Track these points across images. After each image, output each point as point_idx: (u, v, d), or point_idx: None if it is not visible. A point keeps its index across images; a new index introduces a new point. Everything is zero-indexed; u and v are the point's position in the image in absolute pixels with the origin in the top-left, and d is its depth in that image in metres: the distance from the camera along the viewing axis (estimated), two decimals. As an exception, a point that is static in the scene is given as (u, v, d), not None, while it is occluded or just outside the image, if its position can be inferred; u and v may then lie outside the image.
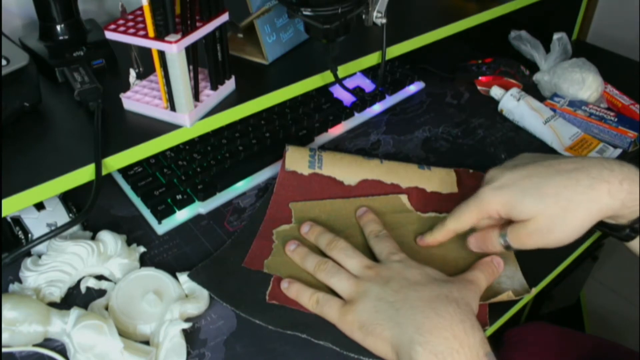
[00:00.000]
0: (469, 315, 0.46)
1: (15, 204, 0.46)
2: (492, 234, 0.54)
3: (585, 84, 0.79)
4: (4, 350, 0.48)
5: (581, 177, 0.48)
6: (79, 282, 0.55)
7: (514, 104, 0.79)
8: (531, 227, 0.50)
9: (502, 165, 0.55)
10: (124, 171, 0.67)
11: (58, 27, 0.62)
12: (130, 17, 0.52)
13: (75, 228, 0.59)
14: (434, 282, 0.49)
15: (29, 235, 0.56)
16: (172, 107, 0.54)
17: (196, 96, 0.55)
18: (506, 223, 0.53)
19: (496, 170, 0.54)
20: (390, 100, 0.83)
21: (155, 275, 0.55)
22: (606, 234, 0.55)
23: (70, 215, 0.59)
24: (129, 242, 0.59)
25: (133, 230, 0.62)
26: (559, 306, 1.18)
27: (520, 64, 0.87)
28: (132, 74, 0.57)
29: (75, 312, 0.48)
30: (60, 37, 0.62)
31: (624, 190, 0.47)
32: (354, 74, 0.86)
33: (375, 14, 0.62)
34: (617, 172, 0.48)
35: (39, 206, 0.58)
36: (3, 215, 0.46)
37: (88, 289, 0.55)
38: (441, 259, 0.57)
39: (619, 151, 0.73)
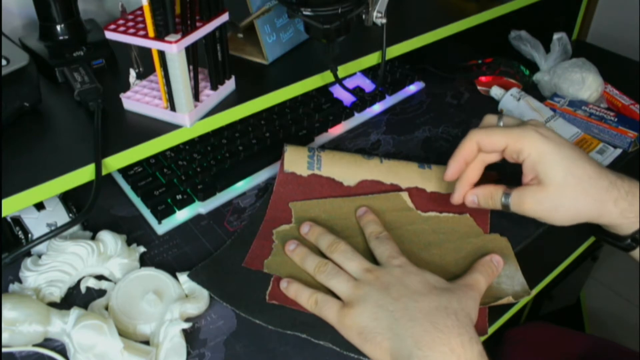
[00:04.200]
0: (468, 327, 0.46)
1: (15, 204, 0.46)
2: (497, 191, 0.54)
3: (585, 84, 0.79)
4: (4, 350, 0.48)
5: (603, 176, 0.51)
6: (79, 282, 0.55)
7: (514, 104, 0.79)
8: (540, 196, 0.51)
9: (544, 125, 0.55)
10: (124, 171, 0.67)
11: (58, 27, 0.62)
12: (130, 17, 0.52)
13: (75, 228, 0.59)
14: (433, 292, 0.49)
15: (29, 235, 0.56)
16: (172, 107, 0.54)
17: (196, 96, 0.55)
18: (508, 187, 0.55)
19: (541, 122, 0.55)
20: (390, 100, 0.83)
21: (155, 275, 0.55)
22: (607, 242, 0.56)
23: (70, 215, 0.59)
24: (129, 242, 0.59)
25: (133, 230, 0.62)
26: (559, 306, 1.18)
27: (520, 64, 0.87)
28: (132, 74, 0.58)
29: (75, 312, 0.48)
30: (60, 37, 0.62)
31: (627, 201, 0.50)
32: (354, 74, 0.86)
33: (375, 14, 0.63)
34: (627, 184, 0.51)
35: (39, 206, 0.58)
36: (3, 215, 0.46)
37: (88, 289, 0.55)
38: (441, 260, 0.57)
39: (619, 151, 0.73)
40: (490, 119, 0.58)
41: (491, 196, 0.55)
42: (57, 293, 0.53)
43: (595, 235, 0.58)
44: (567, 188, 0.51)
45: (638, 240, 0.52)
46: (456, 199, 0.57)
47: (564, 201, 0.51)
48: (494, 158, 0.56)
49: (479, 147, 0.55)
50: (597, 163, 0.52)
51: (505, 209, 0.54)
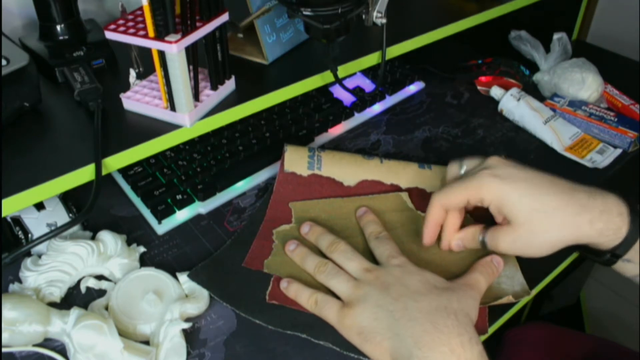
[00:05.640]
0: (468, 327, 0.46)
1: (15, 204, 0.46)
2: (476, 232, 0.55)
3: (585, 84, 0.79)
4: (4, 350, 0.48)
5: (571, 202, 0.50)
6: (79, 282, 0.55)
7: (514, 104, 0.79)
8: (512, 236, 0.51)
9: (505, 159, 0.54)
10: (124, 171, 0.67)
11: (58, 27, 0.62)
12: (130, 17, 0.52)
13: (75, 228, 0.59)
14: (433, 291, 0.49)
15: (29, 235, 0.56)
16: (172, 107, 0.54)
17: (196, 96, 0.55)
18: (485, 227, 0.54)
19: (499, 160, 0.54)
20: (390, 100, 0.83)
21: (155, 275, 0.55)
22: (589, 257, 0.55)
23: (70, 215, 0.59)
24: (129, 242, 0.59)
25: (133, 230, 0.62)
26: (559, 306, 1.18)
27: (520, 64, 0.87)
28: (132, 74, 0.57)
29: (75, 312, 0.48)
30: (60, 37, 0.62)
31: (602, 221, 0.49)
32: (354, 74, 0.86)
33: (375, 14, 0.62)
34: (600, 202, 0.50)
35: (39, 206, 0.58)
36: (3, 215, 0.46)
37: (88, 289, 0.55)
38: (441, 260, 0.57)
39: (619, 151, 0.73)
40: (453, 169, 0.58)
41: (472, 238, 0.55)
42: (57, 293, 0.53)
43: (576, 251, 0.58)
44: (534, 224, 0.50)
45: (618, 255, 0.51)
46: (444, 246, 0.57)
47: (534, 237, 0.50)
48: (467, 207, 0.56)
49: (445, 208, 0.55)
50: (565, 188, 0.51)
51: (485, 248, 0.54)
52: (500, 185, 0.51)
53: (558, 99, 0.80)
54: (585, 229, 0.49)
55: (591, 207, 0.49)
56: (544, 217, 0.50)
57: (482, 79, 0.86)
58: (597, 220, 0.49)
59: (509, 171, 0.52)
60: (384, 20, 0.63)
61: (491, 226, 0.54)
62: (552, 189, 0.50)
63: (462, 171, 0.57)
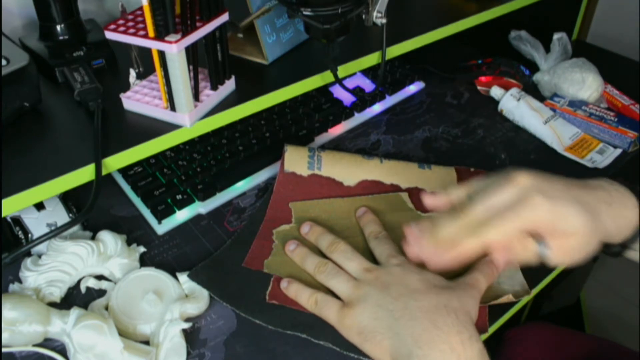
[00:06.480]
0: (468, 326, 0.46)
1: (15, 204, 0.46)
2: (527, 242, 0.45)
3: (585, 84, 0.79)
4: (4, 350, 0.48)
5: (597, 201, 0.46)
6: (79, 282, 0.55)
7: (514, 104, 0.79)
8: (573, 243, 0.45)
9: (529, 173, 0.46)
10: (124, 171, 0.67)
11: (58, 27, 0.62)
12: (130, 17, 0.52)
13: (75, 228, 0.59)
14: (433, 290, 0.49)
15: (29, 235, 0.56)
16: (172, 107, 0.54)
17: (196, 96, 0.55)
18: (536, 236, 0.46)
19: (528, 176, 0.45)
20: (390, 100, 0.83)
21: (155, 275, 0.55)
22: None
23: (70, 215, 0.59)
24: (129, 242, 0.59)
25: (133, 230, 0.62)
26: (559, 306, 1.18)
27: (520, 64, 0.87)
28: (132, 74, 0.58)
29: (75, 312, 0.48)
30: (60, 37, 0.62)
31: (622, 217, 0.47)
32: (354, 74, 0.86)
33: (375, 14, 0.62)
34: (616, 196, 0.47)
35: (39, 206, 0.58)
36: (3, 215, 0.46)
37: (88, 289, 0.55)
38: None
39: (619, 151, 0.73)
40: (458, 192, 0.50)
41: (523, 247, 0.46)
42: (57, 293, 0.53)
43: None
44: (589, 226, 0.44)
45: (627, 247, 0.49)
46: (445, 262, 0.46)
47: (589, 240, 0.45)
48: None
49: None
50: (589, 185, 0.47)
51: (536, 259, 0.46)
52: (551, 205, 0.43)
53: (558, 99, 0.80)
54: (608, 222, 0.46)
55: (612, 203, 0.47)
56: (593, 218, 0.45)
57: (482, 79, 0.86)
58: (618, 217, 0.47)
59: (547, 186, 0.45)
60: (384, 20, 0.63)
61: (540, 238, 0.45)
62: (584, 192, 0.46)
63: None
